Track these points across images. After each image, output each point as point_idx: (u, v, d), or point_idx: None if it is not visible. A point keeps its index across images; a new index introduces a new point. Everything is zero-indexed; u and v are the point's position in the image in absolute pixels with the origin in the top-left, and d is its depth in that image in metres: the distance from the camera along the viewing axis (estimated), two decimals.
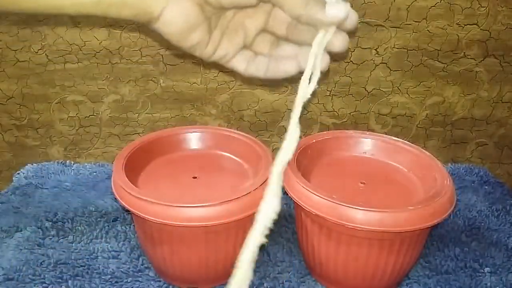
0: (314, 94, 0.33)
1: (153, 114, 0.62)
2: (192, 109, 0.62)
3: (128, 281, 0.43)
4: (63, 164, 0.63)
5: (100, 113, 0.62)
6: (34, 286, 0.42)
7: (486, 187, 0.60)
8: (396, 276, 0.42)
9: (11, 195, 0.56)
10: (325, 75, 0.60)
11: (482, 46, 0.58)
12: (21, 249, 0.47)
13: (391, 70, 0.60)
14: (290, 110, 0.61)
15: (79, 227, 0.50)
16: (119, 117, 0.62)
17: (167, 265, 0.42)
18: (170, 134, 0.50)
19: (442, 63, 0.59)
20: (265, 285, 0.43)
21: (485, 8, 0.56)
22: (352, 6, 0.32)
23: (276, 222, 0.23)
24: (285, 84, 0.61)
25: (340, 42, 0.33)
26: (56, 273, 0.44)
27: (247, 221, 0.34)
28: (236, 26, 0.36)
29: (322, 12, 0.31)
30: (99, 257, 0.46)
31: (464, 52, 0.59)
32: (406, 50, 0.58)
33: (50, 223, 0.51)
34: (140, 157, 0.46)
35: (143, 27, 0.52)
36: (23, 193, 0.57)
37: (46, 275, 0.44)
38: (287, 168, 0.42)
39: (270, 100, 0.62)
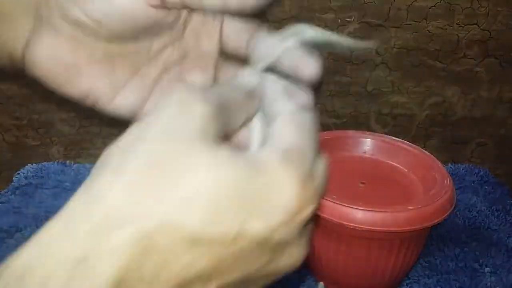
0: None
1: None
2: None
3: None
4: (63, 164, 0.63)
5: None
6: None
7: (486, 187, 0.60)
8: (396, 276, 0.42)
9: (11, 195, 0.56)
10: (325, 74, 0.60)
11: (482, 46, 0.58)
12: None
13: (391, 70, 0.60)
14: None
15: None
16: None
17: None
18: None
19: (442, 63, 0.59)
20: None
21: (485, 8, 0.56)
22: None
23: None
24: None
25: (309, 69, 0.24)
26: None
27: None
28: None
29: None
30: None
31: (464, 52, 0.59)
32: (406, 50, 0.58)
33: None
34: None
35: None
36: (23, 193, 0.57)
37: None
38: None
39: None
